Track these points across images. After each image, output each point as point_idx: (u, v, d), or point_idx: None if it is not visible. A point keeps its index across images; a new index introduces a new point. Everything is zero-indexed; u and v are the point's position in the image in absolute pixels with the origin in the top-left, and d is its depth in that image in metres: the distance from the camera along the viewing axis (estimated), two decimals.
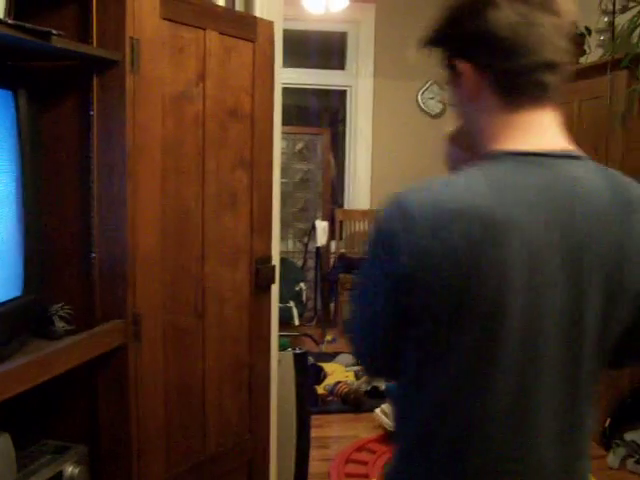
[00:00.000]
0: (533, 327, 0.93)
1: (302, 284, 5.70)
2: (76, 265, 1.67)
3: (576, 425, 1.00)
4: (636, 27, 3.40)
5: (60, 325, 1.54)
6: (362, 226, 5.85)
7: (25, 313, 1.49)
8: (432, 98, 5.75)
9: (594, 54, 3.85)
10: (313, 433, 2.97)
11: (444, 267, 0.89)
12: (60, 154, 1.66)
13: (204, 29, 1.84)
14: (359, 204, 5.90)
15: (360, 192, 5.88)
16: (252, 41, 2.01)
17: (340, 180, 6.13)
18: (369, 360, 1.10)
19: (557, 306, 0.93)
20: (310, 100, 6.34)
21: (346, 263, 5.47)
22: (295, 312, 5.45)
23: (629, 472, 3.23)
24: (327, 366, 4.39)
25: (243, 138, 2.02)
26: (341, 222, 5.87)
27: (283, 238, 5.92)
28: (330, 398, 4.08)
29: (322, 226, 5.65)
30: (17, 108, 1.41)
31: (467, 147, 1.06)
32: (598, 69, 3.53)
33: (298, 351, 2.84)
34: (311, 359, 3.84)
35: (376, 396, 3.99)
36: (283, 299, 5.14)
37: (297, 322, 5.46)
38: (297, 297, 5.61)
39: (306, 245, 5.97)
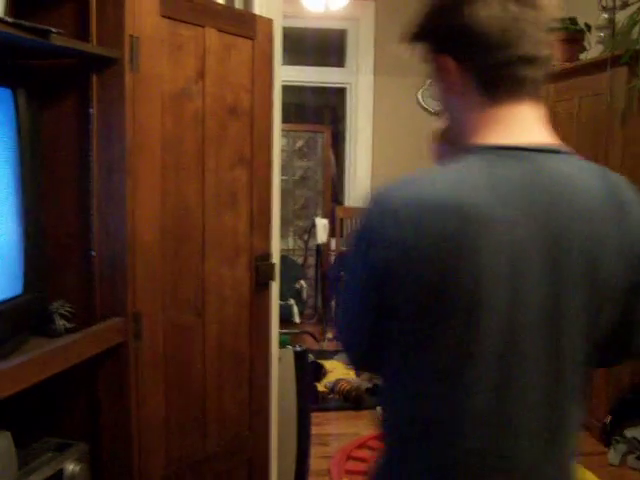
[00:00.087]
0: (512, 321, 0.92)
1: (302, 282, 5.71)
2: (76, 263, 1.67)
3: (560, 421, 0.99)
4: (636, 23, 3.40)
5: (60, 323, 1.55)
6: None
7: (25, 311, 1.49)
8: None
9: (594, 51, 3.85)
10: (313, 430, 2.97)
11: (422, 261, 0.89)
12: (60, 152, 1.66)
13: (203, 27, 1.84)
14: (359, 202, 5.90)
15: (360, 189, 5.88)
16: (251, 39, 2.01)
17: (340, 178, 6.13)
18: (354, 354, 1.10)
19: (536, 301, 0.93)
20: (310, 98, 6.33)
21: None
22: (295, 310, 5.46)
23: (630, 468, 3.23)
24: (327, 363, 4.40)
25: (242, 135, 2.02)
26: (341, 220, 5.87)
27: (283, 236, 5.92)
28: (330, 395, 4.09)
29: (322, 224, 5.65)
30: (16, 106, 1.41)
31: (453, 142, 1.06)
32: (598, 66, 3.53)
33: (298, 348, 2.84)
34: (311, 356, 3.83)
35: (377, 393, 3.99)
36: (283, 297, 5.15)
37: (297, 319, 5.47)
38: (297, 295, 5.62)
39: (306, 243, 5.97)
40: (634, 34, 3.39)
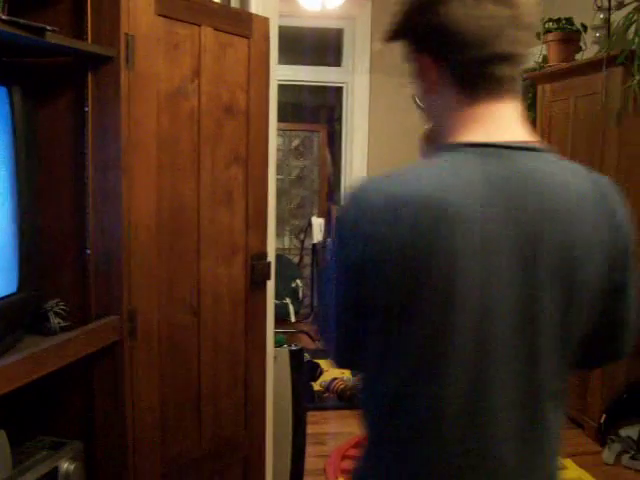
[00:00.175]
0: (485, 320, 0.92)
1: (298, 281, 5.71)
2: (71, 261, 1.67)
3: (538, 423, 0.98)
4: (632, 24, 3.41)
5: (55, 321, 1.55)
6: None
7: (20, 309, 1.49)
8: None
9: (590, 51, 3.86)
10: (309, 429, 2.97)
11: (395, 257, 0.90)
12: (55, 150, 1.66)
13: (199, 25, 1.84)
14: None
15: None
16: (247, 37, 2.01)
17: (336, 177, 6.13)
18: (335, 351, 1.10)
19: (510, 300, 0.92)
20: (306, 97, 6.33)
21: None
22: (291, 309, 5.46)
23: (624, 467, 3.24)
24: (323, 363, 4.39)
25: (238, 134, 2.02)
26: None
27: (279, 235, 5.93)
28: (326, 394, 4.09)
29: (318, 223, 5.65)
30: (11, 104, 1.41)
31: (435, 141, 1.06)
32: (594, 66, 3.54)
33: (294, 347, 2.85)
34: (307, 355, 3.84)
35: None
36: (279, 296, 5.15)
37: (293, 319, 5.47)
38: (293, 294, 5.62)
39: (302, 242, 5.97)
40: (630, 34, 3.40)
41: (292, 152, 6.01)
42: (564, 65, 3.88)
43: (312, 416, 3.43)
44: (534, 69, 4.32)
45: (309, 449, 2.97)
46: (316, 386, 4.12)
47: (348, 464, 3.23)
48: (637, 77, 3.25)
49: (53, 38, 1.38)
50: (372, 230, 0.91)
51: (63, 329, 1.54)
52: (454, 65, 0.97)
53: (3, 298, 1.40)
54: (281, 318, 4.93)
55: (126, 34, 1.60)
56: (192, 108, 1.84)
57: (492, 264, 0.91)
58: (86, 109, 1.62)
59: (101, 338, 1.60)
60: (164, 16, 1.72)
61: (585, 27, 3.90)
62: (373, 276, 0.92)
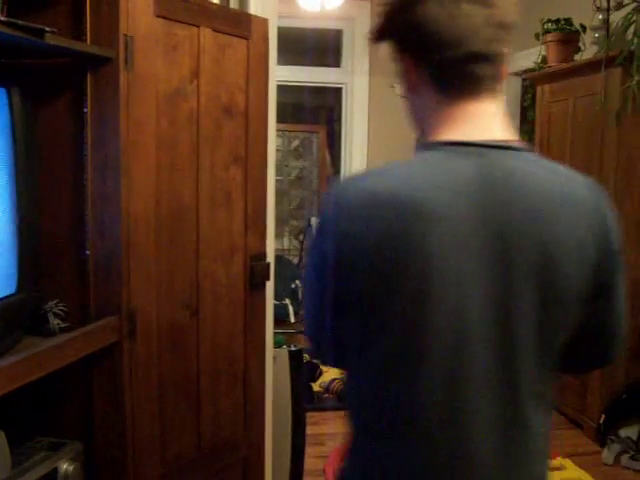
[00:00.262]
0: (460, 319, 0.92)
1: (298, 281, 5.71)
2: (70, 262, 1.67)
3: (518, 423, 0.97)
4: (630, 24, 3.41)
5: (55, 322, 1.55)
6: None
7: (19, 310, 1.49)
8: None
9: (589, 51, 3.86)
10: (308, 430, 2.97)
11: (369, 254, 0.91)
12: (54, 151, 1.66)
13: (198, 26, 1.84)
14: None
15: None
16: (246, 38, 2.01)
17: (336, 178, 6.13)
18: (317, 348, 1.11)
19: (485, 298, 0.92)
20: (306, 98, 6.33)
21: None
22: (291, 309, 5.46)
23: (623, 468, 3.24)
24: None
25: (237, 135, 2.02)
26: None
27: (279, 236, 5.93)
28: (325, 395, 4.09)
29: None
30: (11, 106, 1.41)
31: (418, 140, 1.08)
32: (593, 66, 3.54)
33: (293, 348, 2.85)
34: (306, 356, 3.84)
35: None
36: (279, 296, 5.14)
37: (293, 319, 5.47)
38: (293, 294, 5.61)
39: (302, 243, 5.97)
40: (629, 35, 3.40)
41: (291, 153, 6.00)
42: (563, 66, 3.89)
43: (311, 417, 3.43)
44: (533, 70, 4.33)
45: (308, 450, 2.97)
46: (315, 387, 4.12)
47: None
48: (636, 78, 3.25)
49: (52, 39, 1.38)
50: (348, 228, 0.92)
51: (62, 330, 1.54)
52: (432, 65, 0.98)
53: (2, 299, 1.41)
54: (281, 319, 4.92)
55: (125, 35, 1.60)
56: (191, 109, 1.84)
57: (467, 263, 0.91)
58: (85, 110, 1.62)
59: (100, 339, 1.60)
60: (163, 17, 1.73)
61: (584, 28, 3.90)
62: (349, 274, 0.93)
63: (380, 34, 1.03)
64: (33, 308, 1.54)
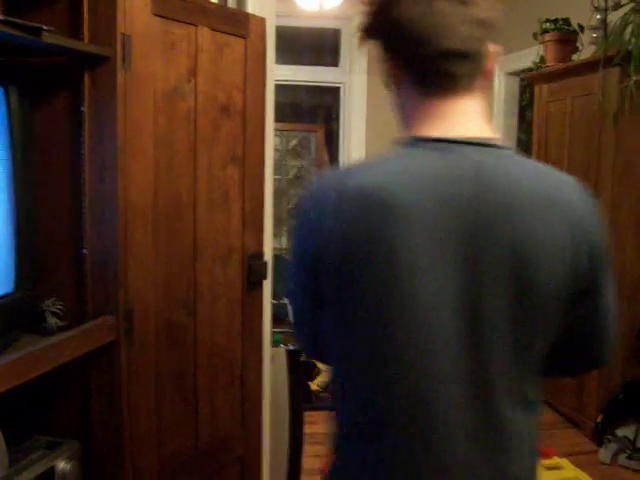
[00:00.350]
0: (427, 314, 0.92)
1: None
2: (68, 261, 1.67)
3: (493, 423, 0.95)
4: (628, 24, 3.41)
5: (52, 321, 1.55)
6: None
7: (17, 309, 1.49)
8: None
9: (586, 51, 3.86)
10: (306, 429, 2.97)
11: (336, 246, 0.93)
12: (52, 150, 1.66)
13: (196, 25, 1.84)
14: None
15: None
16: (244, 37, 2.02)
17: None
18: (303, 344, 1.14)
19: (454, 295, 0.92)
20: (304, 97, 6.33)
21: None
22: (289, 309, 5.45)
23: (620, 467, 3.25)
24: (320, 362, 4.40)
25: (235, 134, 2.02)
26: None
27: (277, 235, 5.92)
28: (323, 394, 4.09)
29: None
30: (8, 105, 1.41)
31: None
32: (590, 66, 3.54)
33: (291, 347, 2.85)
34: (304, 355, 3.84)
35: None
36: (277, 296, 5.14)
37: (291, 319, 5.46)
38: None
39: None
40: (626, 35, 3.40)
41: (290, 152, 6.00)
42: (561, 65, 3.89)
43: (309, 416, 3.42)
44: (531, 69, 4.33)
45: (306, 449, 2.97)
46: (313, 386, 4.12)
47: None
48: (634, 77, 3.25)
49: (49, 38, 1.38)
50: (320, 222, 0.95)
51: (60, 328, 1.54)
52: (410, 62, 0.99)
53: (0, 297, 1.41)
54: (279, 318, 4.92)
55: (122, 34, 1.60)
56: (189, 108, 1.84)
57: (435, 258, 0.91)
58: (82, 109, 1.62)
59: (97, 337, 1.60)
60: (160, 16, 1.73)
61: (582, 28, 3.90)
62: (319, 266, 0.96)
63: (364, 33, 1.04)
64: (31, 307, 1.54)
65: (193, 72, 1.85)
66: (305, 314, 1.07)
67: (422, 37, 0.95)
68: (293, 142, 5.99)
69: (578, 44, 3.96)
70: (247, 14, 2.09)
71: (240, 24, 2.01)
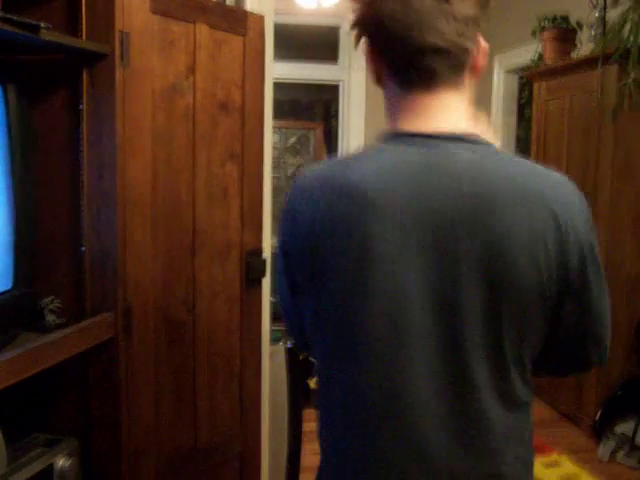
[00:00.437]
0: (401, 307, 0.92)
1: None
2: (66, 259, 1.68)
3: (477, 422, 0.94)
4: (627, 21, 3.41)
5: (51, 318, 1.55)
6: None
7: (16, 307, 1.49)
8: None
9: (585, 48, 3.86)
10: (305, 427, 2.97)
11: (309, 234, 0.96)
12: (50, 148, 1.66)
13: (194, 23, 1.84)
14: None
15: None
16: (242, 35, 2.01)
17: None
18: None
19: (428, 288, 0.92)
20: (303, 94, 6.33)
21: None
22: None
23: (619, 464, 3.25)
24: None
25: (233, 131, 2.02)
26: None
27: (276, 232, 5.92)
28: None
29: None
30: (6, 102, 1.41)
31: None
32: (589, 63, 3.54)
33: (290, 345, 2.85)
34: (305, 352, 3.84)
35: None
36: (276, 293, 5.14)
37: None
38: None
39: None
40: (625, 32, 3.40)
41: (289, 150, 6.00)
42: (560, 63, 3.89)
43: (308, 413, 3.42)
44: (530, 67, 4.33)
45: (305, 446, 2.97)
46: (312, 383, 4.12)
47: None
48: (632, 75, 3.25)
49: (47, 35, 1.38)
50: (295, 211, 0.99)
51: (58, 326, 1.54)
52: (391, 57, 1.00)
53: None
54: (278, 316, 4.93)
55: (121, 31, 1.60)
56: (187, 105, 1.84)
57: (407, 250, 0.92)
58: (81, 107, 1.62)
59: (96, 335, 1.61)
60: (159, 13, 1.73)
61: (581, 25, 3.90)
62: (295, 253, 0.99)
63: (354, 30, 1.04)
64: (29, 304, 1.54)
65: (192, 69, 1.85)
66: (289, 305, 1.09)
67: (401, 33, 0.95)
68: (292, 140, 5.98)
69: (577, 41, 3.96)
70: (245, 12, 2.09)
71: (238, 22, 2.01)
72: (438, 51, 0.95)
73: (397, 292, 0.92)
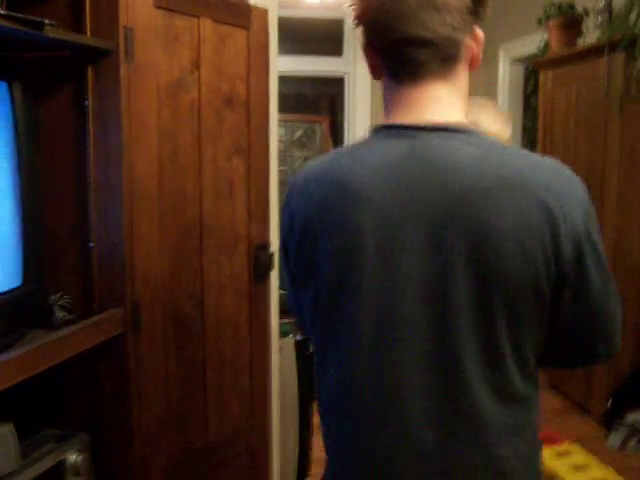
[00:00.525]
0: (390, 298, 0.93)
1: None
2: (74, 255, 1.68)
3: (470, 414, 0.93)
4: (633, 7, 3.38)
5: (60, 315, 1.56)
6: None
7: (25, 303, 1.50)
8: None
9: (592, 36, 3.84)
10: (315, 419, 2.98)
11: (301, 225, 1.00)
12: (56, 144, 1.67)
13: (198, 17, 1.84)
14: None
15: None
16: (246, 29, 2.01)
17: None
18: (298, 325, 1.18)
19: (418, 279, 0.91)
20: (308, 88, 6.32)
21: None
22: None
23: (630, 453, 3.25)
24: None
25: (239, 126, 2.02)
26: None
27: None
28: None
29: None
30: (12, 99, 1.41)
31: None
32: (596, 51, 3.52)
33: (299, 338, 2.85)
34: (312, 345, 3.84)
35: None
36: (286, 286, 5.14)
37: None
38: None
39: None
40: (632, 19, 3.38)
41: (295, 143, 5.99)
42: (566, 51, 3.87)
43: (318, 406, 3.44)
44: (536, 56, 4.30)
45: (315, 439, 2.98)
46: None
47: None
48: (639, 62, 3.23)
49: (52, 32, 1.38)
50: (293, 206, 1.03)
51: (67, 322, 1.55)
52: (380, 50, 1.00)
53: (8, 292, 1.41)
54: (286, 309, 4.93)
55: (125, 27, 1.60)
56: (192, 100, 1.84)
57: (394, 240, 0.92)
58: (86, 103, 1.62)
59: (105, 331, 1.61)
60: (162, 8, 1.72)
61: (587, 12, 3.87)
62: (295, 249, 1.02)
63: (354, 23, 1.05)
64: (38, 301, 1.55)
65: (196, 64, 1.84)
66: (291, 293, 1.12)
67: (386, 25, 0.96)
68: (298, 133, 5.98)
69: (583, 29, 3.93)
70: (249, 5, 2.08)
71: (242, 15, 2.00)
72: (425, 43, 0.95)
73: (386, 286, 0.93)
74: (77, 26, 1.59)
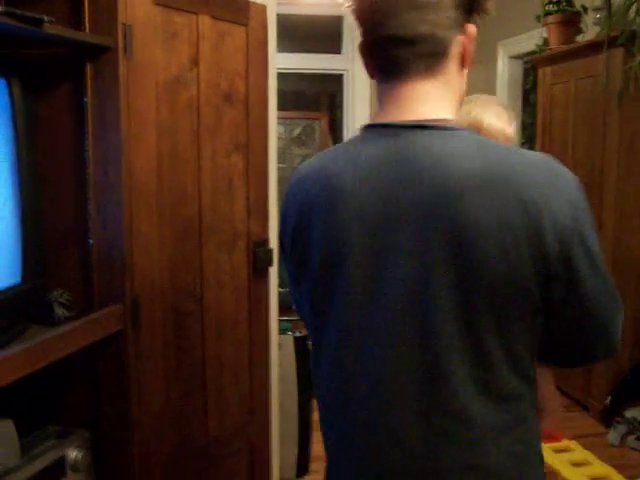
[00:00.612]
0: (373, 295, 0.94)
1: None
2: (74, 252, 1.68)
3: (451, 413, 0.92)
4: (632, 4, 3.38)
5: (59, 311, 1.56)
6: None
7: (25, 300, 1.50)
8: None
9: (590, 32, 3.84)
10: (315, 416, 2.99)
11: (291, 223, 1.03)
12: (55, 141, 1.67)
13: (196, 14, 1.84)
14: None
15: None
16: (245, 25, 2.01)
17: None
18: (301, 318, 1.20)
19: (399, 274, 0.91)
20: (307, 85, 6.32)
21: None
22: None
23: (630, 449, 3.25)
24: None
25: (238, 122, 2.02)
26: None
27: None
28: None
29: None
30: (11, 96, 1.41)
31: None
32: (594, 47, 3.52)
33: (298, 334, 2.86)
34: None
35: None
36: (284, 284, 5.15)
37: None
38: None
39: None
40: (630, 15, 3.38)
41: (294, 140, 5.99)
42: (564, 47, 3.87)
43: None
44: (535, 52, 4.31)
45: (315, 435, 2.99)
46: None
47: None
48: (638, 58, 3.23)
49: (50, 29, 1.39)
50: (288, 204, 1.06)
51: (67, 319, 1.55)
52: (367, 49, 1.01)
53: (8, 289, 1.41)
54: (286, 306, 4.94)
55: (123, 24, 1.60)
56: (191, 97, 1.84)
57: (379, 238, 0.94)
58: (85, 100, 1.62)
59: (104, 327, 1.61)
60: (161, 5, 1.72)
61: (585, 8, 3.88)
62: (290, 246, 1.05)
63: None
64: (38, 298, 1.55)
65: (195, 61, 1.84)
66: (292, 290, 1.14)
67: (373, 23, 0.97)
68: (297, 130, 5.98)
69: (582, 25, 3.94)
70: (248, 2, 2.08)
71: (241, 12, 2.01)
72: (407, 42, 0.95)
73: (370, 286, 0.94)
74: (76, 23, 1.59)
